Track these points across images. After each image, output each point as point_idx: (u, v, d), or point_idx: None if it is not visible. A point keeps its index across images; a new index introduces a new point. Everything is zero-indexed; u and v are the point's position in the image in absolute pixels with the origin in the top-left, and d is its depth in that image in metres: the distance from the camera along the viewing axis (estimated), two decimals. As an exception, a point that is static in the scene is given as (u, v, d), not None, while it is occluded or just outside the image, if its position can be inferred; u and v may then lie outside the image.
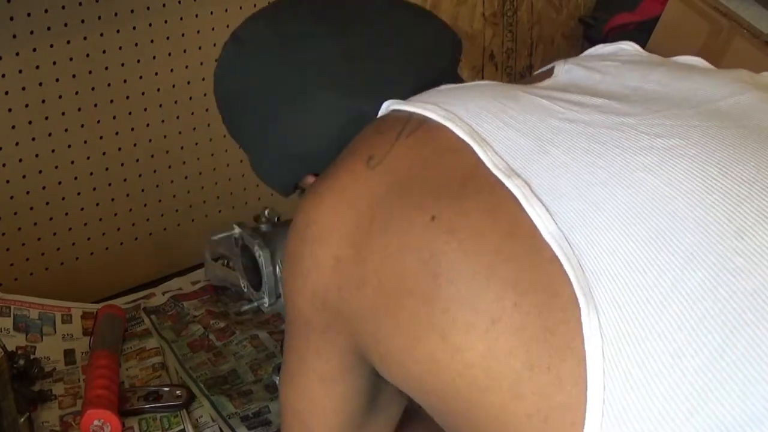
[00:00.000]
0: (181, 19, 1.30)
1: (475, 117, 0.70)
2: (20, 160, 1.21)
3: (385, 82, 0.81)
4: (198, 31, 1.32)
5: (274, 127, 0.85)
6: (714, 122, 0.69)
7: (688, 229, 0.60)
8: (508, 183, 0.64)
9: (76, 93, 1.23)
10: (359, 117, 0.80)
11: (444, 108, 0.71)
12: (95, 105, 1.26)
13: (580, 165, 0.65)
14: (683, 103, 0.72)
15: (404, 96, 0.78)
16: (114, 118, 1.28)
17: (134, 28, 1.26)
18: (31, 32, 1.16)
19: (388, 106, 0.77)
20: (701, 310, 0.57)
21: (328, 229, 0.71)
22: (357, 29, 0.85)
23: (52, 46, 1.18)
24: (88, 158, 1.28)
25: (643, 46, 0.87)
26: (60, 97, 1.22)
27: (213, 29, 1.34)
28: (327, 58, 0.83)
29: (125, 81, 1.28)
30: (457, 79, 0.88)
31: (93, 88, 1.25)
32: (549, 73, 0.82)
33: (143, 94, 1.30)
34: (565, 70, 0.81)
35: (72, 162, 1.27)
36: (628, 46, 0.87)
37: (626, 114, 0.70)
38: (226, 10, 1.34)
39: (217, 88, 0.91)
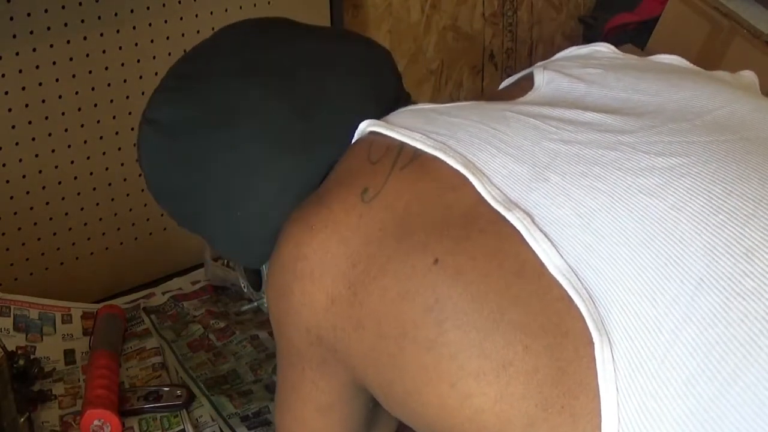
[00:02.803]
0: (181, 19, 1.30)
1: (467, 146, 0.68)
2: (20, 160, 1.21)
3: (347, 125, 0.75)
4: (198, 31, 1.31)
5: (231, 216, 0.78)
6: (714, 136, 0.67)
7: (697, 254, 0.59)
8: (509, 216, 0.63)
9: (76, 93, 1.23)
10: (329, 168, 0.75)
11: (433, 138, 0.69)
12: (95, 105, 1.26)
13: (580, 190, 0.63)
14: (679, 115, 0.70)
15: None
16: (114, 118, 1.28)
17: (134, 28, 1.26)
18: (31, 32, 1.16)
19: (365, 128, 0.74)
20: (713, 336, 0.56)
21: (320, 267, 0.68)
22: (292, 74, 0.78)
23: (52, 46, 1.18)
24: (88, 158, 1.28)
25: (643, 46, 0.87)
26: (60, 97, 1.22)
27: (213, 29, 1.33)
28: (272, 120, 0.76)
29: (125, 81, 1.28)
30: (407, 94, 0.85)
31: (93, 88, 1.25)
32: (528, 83, 0.79)
33: (143, 94, 1.30)
34: (546, 81, 0.78)
35: (72, 162, 1.27)
36: (604, 48, 0.85)
37: (622, 131, 0.68)
38: (226, 10, 1.34)
39: (148, 182, 0.83)
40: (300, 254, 0.69)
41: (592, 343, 0.58)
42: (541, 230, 0.62)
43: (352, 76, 0.80)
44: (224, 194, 0.78)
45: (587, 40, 1.87)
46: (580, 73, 0.78)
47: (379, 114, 0.76)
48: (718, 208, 0.61)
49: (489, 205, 0.64)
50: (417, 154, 0.69)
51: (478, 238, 0.63)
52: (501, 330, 0.60)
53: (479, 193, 0.65)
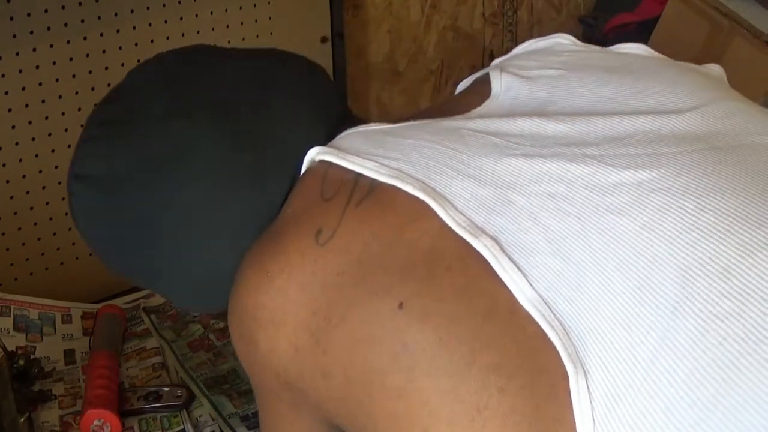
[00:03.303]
0: (181, 19, 1.30)
1: (423, 170, 0.64)
2: (20, 160, 1.21)
3: (297, 149, 0.71)
4: (198, 31, 1.31)
5: (186, 264, 0.73)
6: (682, 146, 0.64)
7: (671, 276, 0.56)
8: (476, 244, 0.60)
9: (76, 93, 1.23)
10: (285, 196, 0.72)
11: (386, 165, 0.65)
12: (95, 105, 1.26)
13: (547, 213, 0.61)
14: (646, 124, 0.67)
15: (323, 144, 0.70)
16: (114, 118, 1.28)
17: (134, 28, 1.26)
18: (31, 32, 1.16)
19: (314, 156, 0.70)
20: (691, 362, 0.54)
21: (280, 315, 0.65)
22: (229, 103, 0.72)
23: (52, 46, 1.18)
24: (88, 158, 1.28)
25: (643, 47, 0.86)
26: (60, 97, 1.22)
27: (213, 29, 1.34)
28: (216, 155, 0.70)
29: (125, 81, 1.28)
30: (349, 110, 0.82)
31: (93, 88, 1.25)
32: (485, 88, 0.75)
33: (143, 94, 1.30)
34: (504, 87, 0.74)
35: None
36: (564, 40, 0.81)
37: (585, 143, 0.65)
38: (226, 10, 1.34)
39: (90, 245, 0.77)
40: (258, 303, 0.66)
41: (568, 377, 0.57)
42: (510, 258, 0.59)
43: (294, 98, 0.75)
44: (176, 244, 0.72)
45: (587, 40, 1.86)
46: (540, 75, 0.74)
47: (327, 136, 0.72)
48: (691, 225, 0.58)
49: (454, 236, 0.60)
50: (373, 186, 0.65)
51: (445, 276, 0.60)
52: (474, 373, 0.57)
53: (442, 220, 0.61)
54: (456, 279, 0.60)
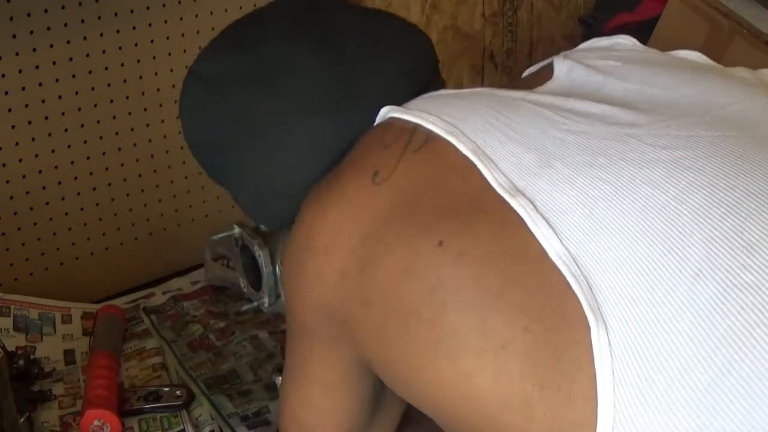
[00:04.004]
0: (181, 19, 1.30)
1: (478, 132, 0.69)
2: (20, 160, 1.21)
3: (378, 97, 0.78)
4: (198, 31, 1.31)
5: (263, 167, 0.80)
6: (721, 131, 0.68)
7: (696, 245, 0.60)
8: (513, 203, 0.64)
9: (76, 93, 1.23)
10: (356, 137, 0.77)
11: (446, 121, 0.70)
12: (95, 105, 1.26)
13: (584, 179, 0.65)
14: (689, 110, 0.71)
15: (400, 104, 0.76)
16: (114, 118, 1.28)
17: (134, 28, 1.26)
18: (31, 32, 1.16)
19: (386, 113, 0.76)
20: (709, 327, 0.57)
21: (332, 243, 0.70)
22: (336, 43, 0.80)
23: (52, 46, 1.18)
24: (88, 158, 1.28)
25: (643, 46, 0.87)
26: (60, 97, 1.22)
27: (213, 29, 1.33)
28: (311, 81, 0.79)
29: (125, 81, 1.27)
30: (441, 80, 0.87)
31: (93, 88, 1.25)
32: (548, 72, 0.80)
33: (143, 94, 1.30)
34: (565, 71, 0.79)
35: (72, 162, 1.27)
36: (626, 40, 0.86)
37: (631, 124, 0.69)
38: (226, 10, 1.34)
39: (187, 134, 0.86)
40: (313, 232, 0.72)
41: (589, 328, 0.59)
42: (543, 216, 0.63)
43: (393, 59, 0.82)
44: (255, 147, 0.80)
45: (587, 40, 1.86)
46: (599, 64, 0.79)
47: (407, 99, 0.78)
48: (719, 201, 0.61)
49: (495, 192, 0.65)
50: (429, 137, 0.70)
51: (483, 222, 0.65)
52: (501, 311, 0.62)
53: (486, 179, 0.66)
54: (492, 226, 0.65)
